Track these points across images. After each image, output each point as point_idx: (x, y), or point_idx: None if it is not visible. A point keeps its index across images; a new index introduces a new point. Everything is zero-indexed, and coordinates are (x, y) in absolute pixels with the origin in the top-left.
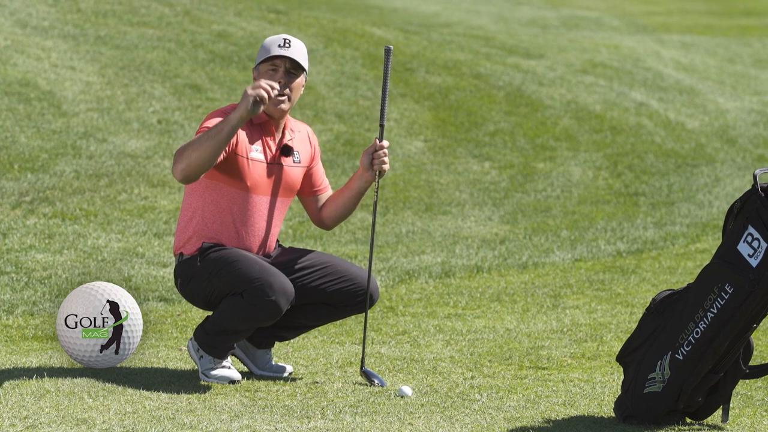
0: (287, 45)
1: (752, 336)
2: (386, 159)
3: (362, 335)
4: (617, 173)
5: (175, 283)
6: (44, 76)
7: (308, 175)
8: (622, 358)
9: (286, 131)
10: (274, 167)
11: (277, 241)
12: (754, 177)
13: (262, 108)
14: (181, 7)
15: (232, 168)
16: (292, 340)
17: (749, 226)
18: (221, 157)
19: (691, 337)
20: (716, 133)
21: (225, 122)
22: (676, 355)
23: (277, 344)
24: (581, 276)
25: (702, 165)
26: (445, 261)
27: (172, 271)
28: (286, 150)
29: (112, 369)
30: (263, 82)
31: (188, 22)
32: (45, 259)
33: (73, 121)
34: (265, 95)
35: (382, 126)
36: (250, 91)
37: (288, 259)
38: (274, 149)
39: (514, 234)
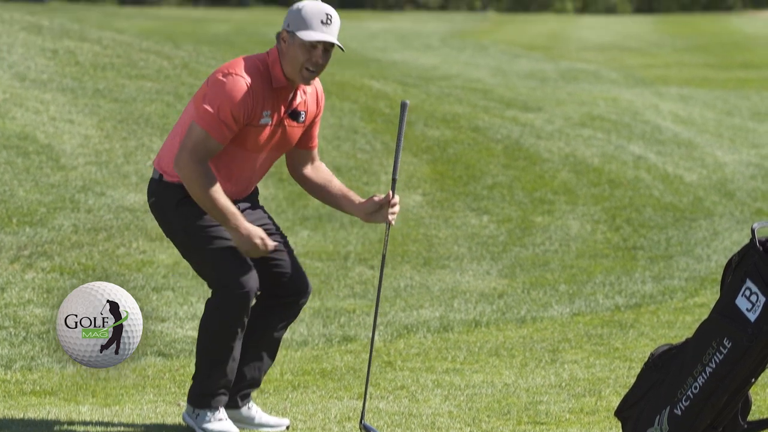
0: (329, 22)
1: (750, 391)
2: (397, 211)
3: (362, 389)
4: (615, 227)
5: (148, 198)
6: (43, 130)
7: (304, 132)
8: (620, 412)
9: (299, 92)
10: (278, 128)
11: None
12: (752, 231)
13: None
14: (179, 60)
15: (239, 135)
16: (289, 397)
17: (747, 280)
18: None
19: (689, 392)
20: (714, 187)
21: (222, 218)
22: (675, 410)
23: (274, 400)
24: (579, 330)
25: (700, 218)
26: (443, 315)
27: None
28: (294, 114)
29: (111, 424)
30: (258, 245)
31: (186, 74)
32: (43, 314)
33: (72, 174)
34: (253, 254)
35: (394, 180)
36: (243, 245)
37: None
38: (282, 111)
39: (512, 288)
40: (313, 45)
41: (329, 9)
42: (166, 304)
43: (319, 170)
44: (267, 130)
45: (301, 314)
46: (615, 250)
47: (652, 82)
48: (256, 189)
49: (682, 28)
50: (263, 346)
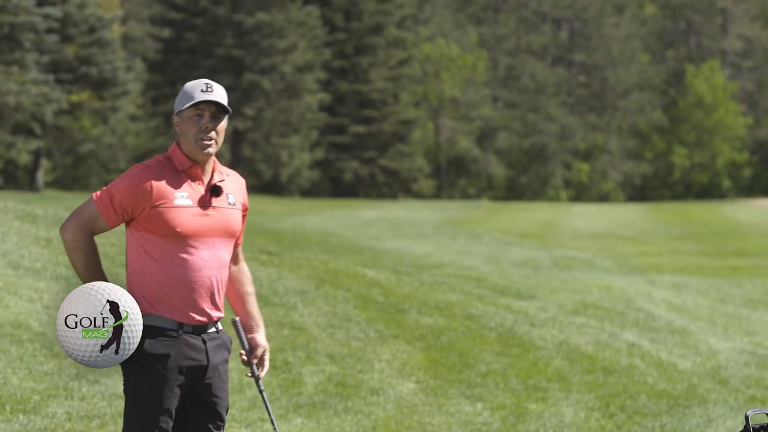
0: (210, 90)
1: None
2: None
3: None
4: (609, 414)
5: None
6: (36, 318)
7: None
8: None
9: (215, 174)
10: (206, 209)
11: (226, 332)
12: (746, 418)
13: None
14: None
15: (155, 220)
16: None
17: None
18: (122, 220)
19: None
20: (708, 374)
21: (80, 274)
22: None
23: None
24: None
25: (694, 405)
26: None
27: None
28: (215, 190)
29: None
30: None
31: None
32: None
33: (65, 362)
34: None
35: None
36: None
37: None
38: (203, 191)
39: None
40: (198, 114)
41: (209, 81)
42: None
43: (240, 273)
44: (192, 212)
45: None
46: None
47: (645, 270)
48: (227, 341)
49: (675, 216)
50: None
